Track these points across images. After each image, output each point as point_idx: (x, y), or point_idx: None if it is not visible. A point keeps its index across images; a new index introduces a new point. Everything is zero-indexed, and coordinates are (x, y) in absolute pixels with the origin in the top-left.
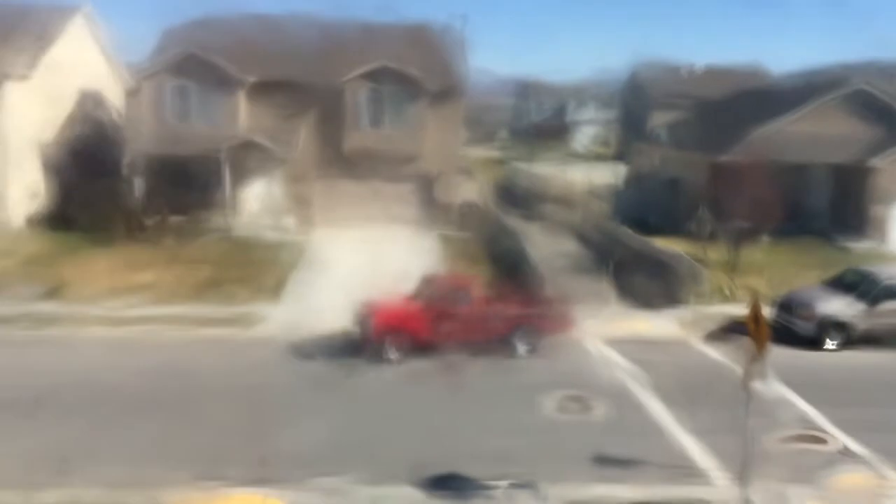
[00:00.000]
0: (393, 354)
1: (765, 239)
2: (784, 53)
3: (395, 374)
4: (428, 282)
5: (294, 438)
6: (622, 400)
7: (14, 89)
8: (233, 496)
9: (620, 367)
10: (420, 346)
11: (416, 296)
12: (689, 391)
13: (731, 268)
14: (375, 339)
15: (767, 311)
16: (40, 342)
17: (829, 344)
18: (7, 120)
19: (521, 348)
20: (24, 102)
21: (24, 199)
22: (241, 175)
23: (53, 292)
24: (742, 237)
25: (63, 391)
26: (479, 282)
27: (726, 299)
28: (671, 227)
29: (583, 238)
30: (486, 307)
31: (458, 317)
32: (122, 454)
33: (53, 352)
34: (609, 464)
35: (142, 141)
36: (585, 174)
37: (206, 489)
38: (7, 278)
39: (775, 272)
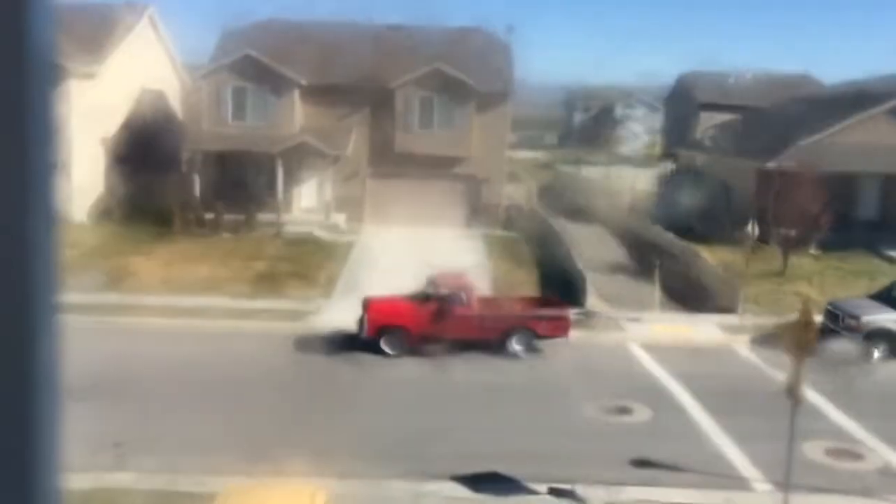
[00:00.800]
0: (388, 349)
1: (812, 248)
2: (835, 63)
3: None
4: (429, 281)
5: (336, 429)
6: (664, 405)
7: (80, 87)
8: (278, 484)
9: (662, 372)
10: (415, 342)
11: (414, 294)
12: (731, 397)
13: (778, 275)
14: (370, 334)
15: (816, 320)
16: (101, 331)
17: (876, 355)
18: (73, 116)
19: (516, 349)
20: (89, 99)
21: (88, 193)
22: (295, 174)
23: (114, 283)
24: (789, 245)
25: (124, 378)
26: (476, 283)
27: (771, 307)
28: (717, 233)
29: (628, 241)
30: (481, 308)
31: (452, 316)
32: (179, 441)
33: (114, 340)
34: (648, 468)
35: (200, 138)
36: (631, 178)
37: (256, 476)
38: (71, 269)
39: (822, 281)
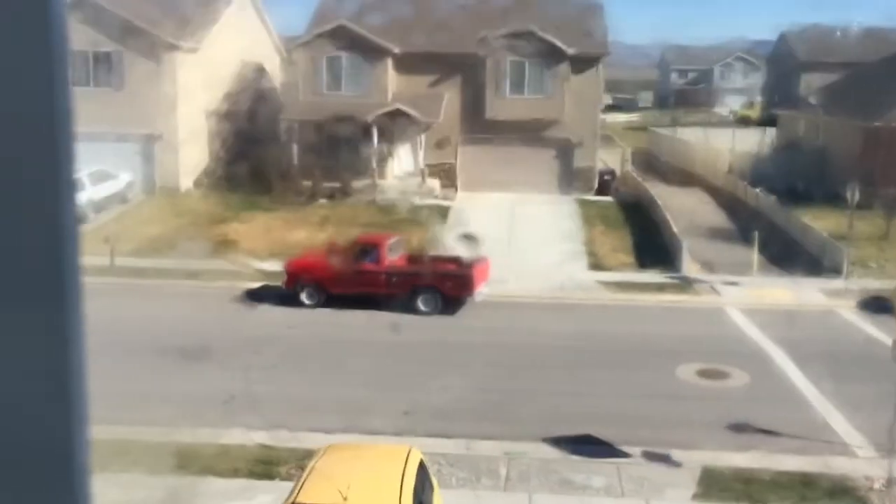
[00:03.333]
0: (307, 300)
1: None
2: None
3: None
4: (350, 240)
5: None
6: (762, 369)
7: (183, 61)
8: (376, 445)
9: (761, 336)
10: (331, 295)
11: (332, 251)
12: (834, 362)
13: (882, 238)
14: (288, 287)
15: None
16: (204, 294)
17: None
18: (177, 90)
19: (423, 307)
20: (192, 73)
21: (193, 165)
22: (388, 141)
23: (219, 249)
24: (895, 206)
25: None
26: (395, 242)
27: (876, 270)
28: (821, 196)
29: (726, 205)
30: (390, 266)
31: (362, 272)
32: (282, 402)
33: (215, 304)
34: (746, 433)
35: (297, 108)
36: (730, 140)
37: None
38: (179, 237)
39: None
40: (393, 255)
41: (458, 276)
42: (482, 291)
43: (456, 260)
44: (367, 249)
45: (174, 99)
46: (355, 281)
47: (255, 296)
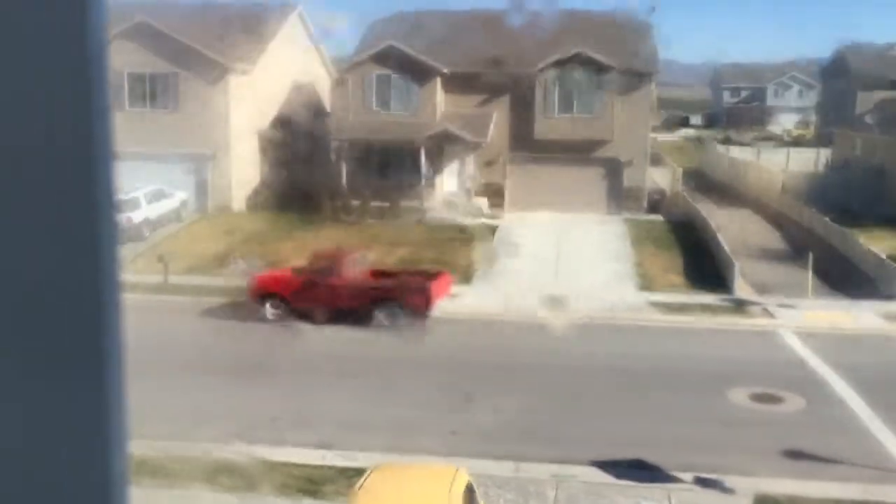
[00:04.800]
0: (270, 315)
1: None
2: None
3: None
4: (312, 254)
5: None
6: (818, 394)
7: (237, 82)
8: (422, 465)
9: (816, 360)
10: (295, 310)
11: (297, 267)
12: (893, 389)
13: None
14: (253, 300)
15: None
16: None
17: None
18: (230, 111)
19: (383, 321)
20: (245, 94)
21: (245, 184)
22: (437, 161)
23: (270, 267)
24: None
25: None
26: (358, 256)
27: None
28: (877, 216)
29: (780, 225)
30: (351, 280)
31: (323, 286)
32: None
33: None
34: (801, 459)
35: (347, 129)
36: (784, 159)
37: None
38: (230, 254)
39: None
40: (357, 270)
41: (419, 289)
42: (442, 305)
43: (419, 274)
44: (330, 263)
45: (227, 120)
46: (319, 295)
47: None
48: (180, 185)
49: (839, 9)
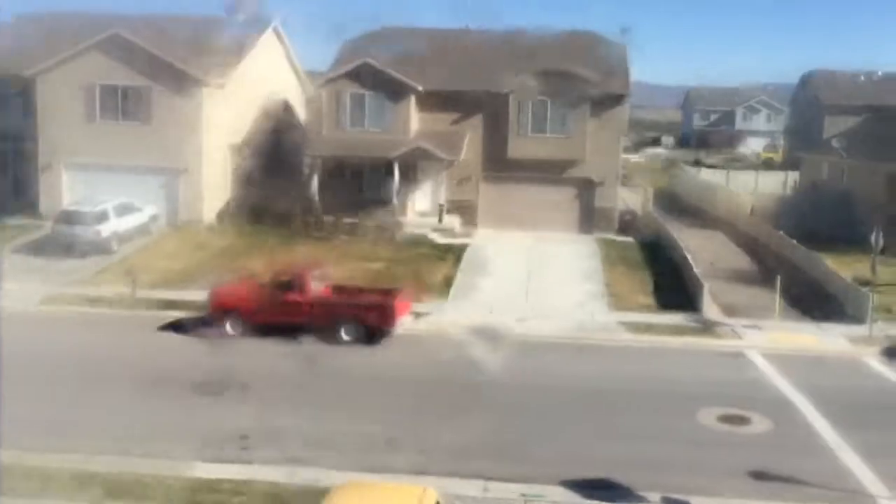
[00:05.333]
0: (231, 330)
1: None
2: None
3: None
4: (273, 270)
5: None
6: (784, 415)
7: (210, 96)
8: (389, 483)
9: (783, 382)
10: (255, 325)
11: (258, 281)
12: (858, 410)
13: None
14: (213, 316)
15: None
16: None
17: None
18: (203, 125)
19: (346, 337)
20: (218, 108)
21: (216, 197)
22: (410, 178)
23: (238, 282)
24: None
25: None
26: (319, 272)
27: None
28: (844, 240)
29: (748, 247)
30: (313, 296)
31: (284, 302)
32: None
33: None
34: (767, 480)
35: (320, 144)
36: (752, 182)
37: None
38: (201, 269)
39: None
40: (318, 286)
41: (381, 307)
42: (405, 323)
43: (380, 292)
44: (290, 279)
45: (200, 133)
46: (279, 311)
47: None
48: (151, 198)
49: (807, 36)
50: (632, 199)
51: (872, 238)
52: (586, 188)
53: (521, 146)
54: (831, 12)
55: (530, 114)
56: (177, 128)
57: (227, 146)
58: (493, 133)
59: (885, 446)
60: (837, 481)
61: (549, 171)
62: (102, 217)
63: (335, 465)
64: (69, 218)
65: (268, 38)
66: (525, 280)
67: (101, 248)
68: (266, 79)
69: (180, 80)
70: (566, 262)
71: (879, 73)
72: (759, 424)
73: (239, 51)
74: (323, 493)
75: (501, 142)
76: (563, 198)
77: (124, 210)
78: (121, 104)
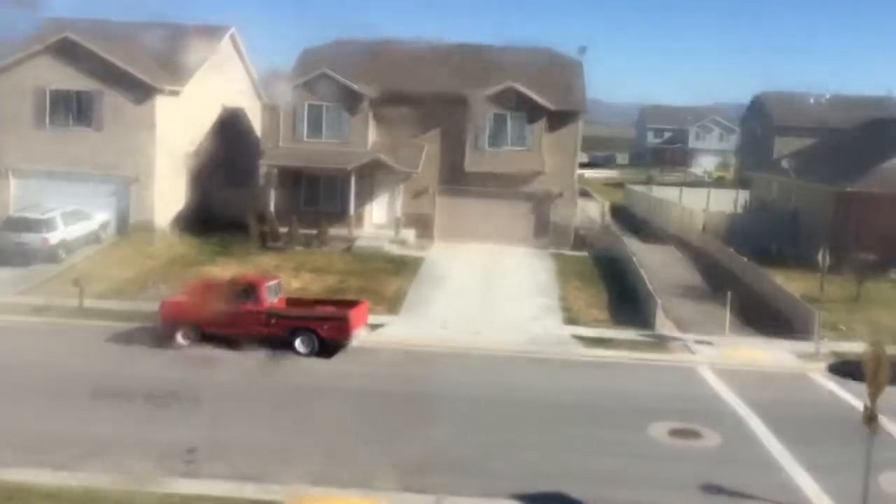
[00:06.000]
0: (182, 341)
1: (892, 273)
2: None
3: None
4: (228, 280)
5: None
6: (734, 430)
7: (164, 103)
8: (344, 498)
9: (732, 397)
10: (208, 336)
11: (210, 292)
12: (805, 425)
13: (854, 301)
14: (164, 327)
15: (890, 348)
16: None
17: None
18: (157, 132)
19: (301, 349)
20: (172, 116)
21: (170, 206)
22: (367, 190)
23: (188, 292)
24: (866, 270)
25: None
26: (272, 283)
27: (846, 334)
28: (793, 258)
29: (700, 264)
30: (267, 307)
31: (239, 313)
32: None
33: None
34: (717, 494)
35: (276, 154)
36: (704, 199)
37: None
38: (151, 278)
39: None
40: (272, 297)
41: (336, 319)
42: (360, 335)
43: (336, 304)
44: (246, 290)
45: (153, 141)
46: (233, 322)
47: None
48: (102, 206)
49: (759, 57)
50: (588, 214)
51: (819, 256)
52: (542, 203)
53: (478, 160)
54: (783, 34)
55: (488, 128)
56: (129, 135)
57: (182, 154)
58: (451, 146)
59: (831, 460)
60: (785, 495)
61: (505, 186)
62: (51, 224)
63: (286, 480)
64: (16, 225)
65: (225, 45)
66: (480, 293)
67: (48, 256)
68: (223, 87)
69: (133, 87)
70: (521, 276)
71: (828, 94)
72: (710, 439)
73: (195, 58)
74: None
75: (459, 155)
76: (519, 212)
77: (74, 217)
78: (72, 110)
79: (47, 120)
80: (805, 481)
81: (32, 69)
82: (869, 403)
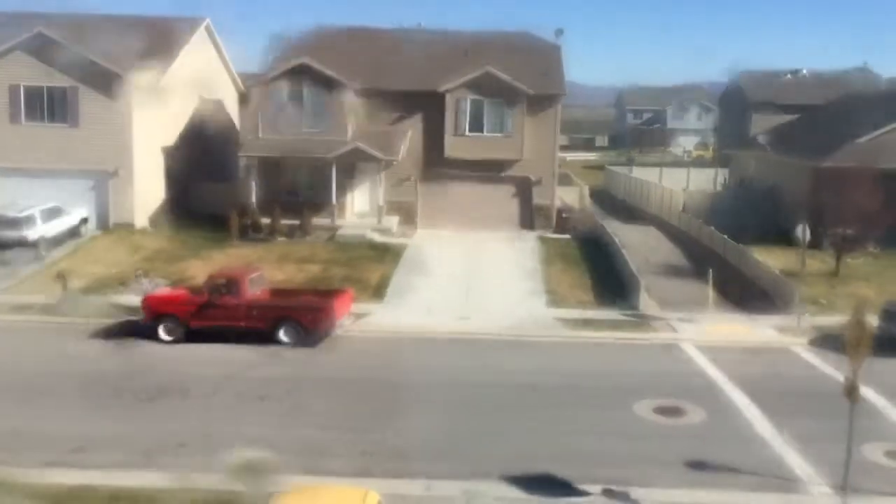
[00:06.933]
0: (166, 336)
1: (870, 247)
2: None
3: None
4: (209, 274)
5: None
6: (718, 406)
7: (141, 97)
8: (333, 486)
9: (716, 373)
10: (191, 330)
11: (191, 286)
12: (788, 398)
13: (833, 276)
14: (147, 321)
15: (871, 320)
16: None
17: None
18: (134, 126)
19: (285, 340)
20: (149, 109)
21: (150, 200)
22: (348, 179)
23: (171, 286)
24: (846, 245)
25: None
26: (254, 275)
27: (827, 308)
28: (772, 234)
29: (681, 243)
30: (250, 299)
31: (221, 306)
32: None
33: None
34: (702, 469)
35: (256, 145)
36: (684, 179)
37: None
38: (130, 273)
39: (881, 281)
40: (255, 289)
41: (319, 308)
42: (344, 324)
43: (319, 293)
44: (228, 283)
45: (130, 135)
46: (216, 315)
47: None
48: (81, 201)
49: (736, 36)
50: (569, 197)
51: (798, 232)
52: (524, 186)
53: (459, 146)
54: (761, 13)
55: (467, 113)
56: (106, 129)
57: (160, 148)
58: (432, 133)
59: (814, 433)
60: (770, 468)
61: (487, 170)
62: (29, 222)
63: (275, 470)
64: None
65: (200, 37)
66: (464, 279)
67: (28, 253)
68: (198, 79)
69: (109, 81)
70: (505, 261)
71: (804, 71)
72: (694, 415)
73: (170, 51)
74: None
75: (439, 142)
76: (501, 196)
77: (52, 214)
78: (47, 105)
79: (23, 117)
80: (788, 454)
81: (6, 65)
82: (850, 374)
